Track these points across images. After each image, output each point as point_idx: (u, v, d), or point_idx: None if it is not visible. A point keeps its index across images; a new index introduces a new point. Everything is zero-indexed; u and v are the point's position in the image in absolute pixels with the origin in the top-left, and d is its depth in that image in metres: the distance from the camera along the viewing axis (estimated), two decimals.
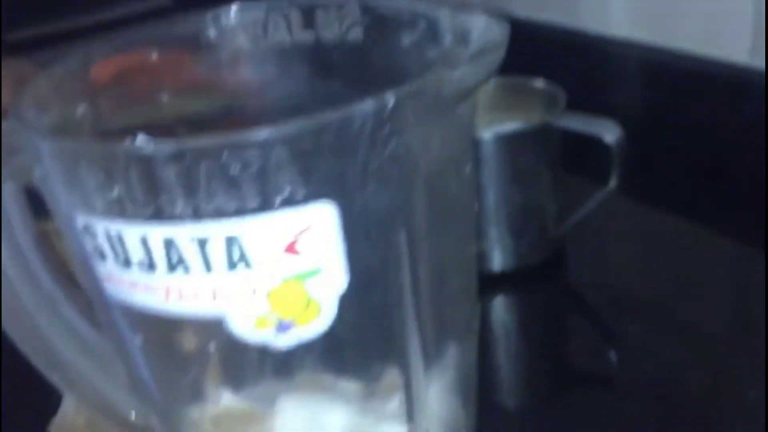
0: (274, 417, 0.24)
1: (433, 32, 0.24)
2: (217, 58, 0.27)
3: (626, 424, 0.41)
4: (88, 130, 0.24)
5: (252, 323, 0.19)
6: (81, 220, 0.19)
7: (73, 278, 0.27)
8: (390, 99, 0.18)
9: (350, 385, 0.25)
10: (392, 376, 0.25)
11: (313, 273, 0.19)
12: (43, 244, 0.26)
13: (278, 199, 0.18)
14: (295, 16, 0.27)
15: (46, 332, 0.26)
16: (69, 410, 0.42)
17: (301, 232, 0.18)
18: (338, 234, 0.19)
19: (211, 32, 0.27)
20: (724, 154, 0.58)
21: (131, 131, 0.25)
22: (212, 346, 0.21)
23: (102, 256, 0.20)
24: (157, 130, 0.25)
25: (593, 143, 0.48)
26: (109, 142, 0.18)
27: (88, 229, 0.19)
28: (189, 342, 0.23)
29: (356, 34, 0.26)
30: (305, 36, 0.27)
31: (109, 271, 0.20)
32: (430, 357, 0.23)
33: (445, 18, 0.24)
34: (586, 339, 0.52)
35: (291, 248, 0.18)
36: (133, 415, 0.26)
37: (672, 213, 0.58)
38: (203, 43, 0.27)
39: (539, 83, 0.50)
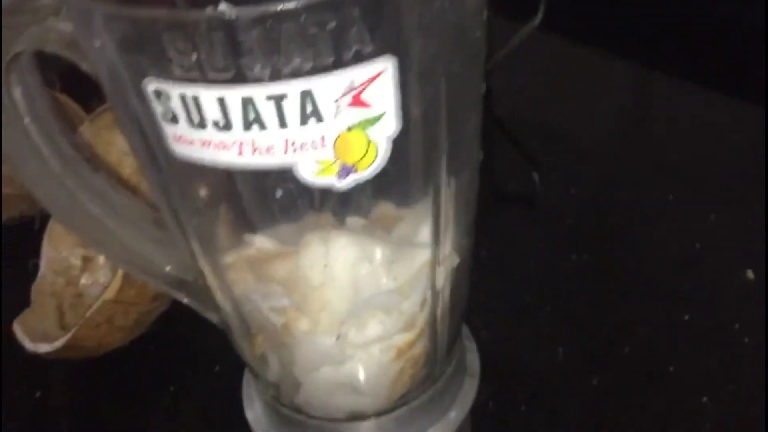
0: (306, 254, 0.27)
1: None
2: None
3: (548, 238, 0.46)
4: None
5: (318, 169, 0.22)
6: (152, 86, 0.20)
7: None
8: None
9: (356, 221, 0.28)
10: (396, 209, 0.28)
11: (374, 120, 0.21)
12: (59, 114, 0.27)
13: (348, 56, 0.20)
14: None
15: (75, 194, 0.27)
16: (48, 273, 0.43)
17: (366, 84, 0.20)
18: (396, 84, 0.21)
19: None
20: None
21: None
22: (277, 192, 0.23)
23: (174, 119, 0.21)
24: None
25: None
26: (189, 9, 0.19)
27: (159, 94, 0.21)
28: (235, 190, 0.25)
29: None
30: None
31: (179, 132, 0.21)
32: (450, 186, 0.26)
33: None
34: (512, 165, 0.57)
35: (357, 99, 0.21)
36: (167, 268, 0.29)
37: (589, 45, 0.63)
38: None
39: None
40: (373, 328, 0.27)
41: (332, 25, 0.19)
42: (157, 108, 0.21)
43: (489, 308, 0.41)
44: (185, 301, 0.30)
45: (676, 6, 0.60)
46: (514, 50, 0.55)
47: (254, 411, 0.33)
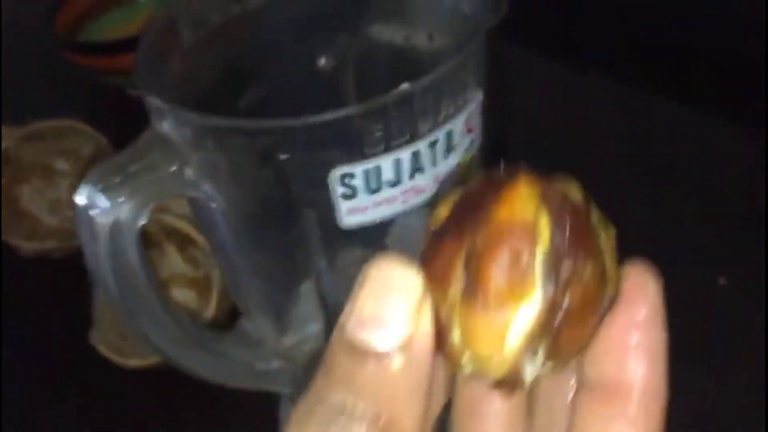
0: None
1: None
2: None
3: None
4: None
5: None
6: (339, 172, 0.24)
7: None
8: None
9: None
10: None
11: (473, 143, 0.28)
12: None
13: (471, 96, 0.26)
14: None
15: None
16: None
17: (474, 114, 0.27)
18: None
19: None
20: None
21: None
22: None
23: (352, 194, 0.25)
24: None
25: None
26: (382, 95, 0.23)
27: (344, 178, 0.25)
28: None
29: None
30: None
31: (354, 204, 0.26)
32: None
33: None
34: None
35: (470, 128, 0.27)
36: None
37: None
38: None
39: None
40: None
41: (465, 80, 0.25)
42: (339, 191, 0.25)
43: None
44: None
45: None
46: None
47: None
